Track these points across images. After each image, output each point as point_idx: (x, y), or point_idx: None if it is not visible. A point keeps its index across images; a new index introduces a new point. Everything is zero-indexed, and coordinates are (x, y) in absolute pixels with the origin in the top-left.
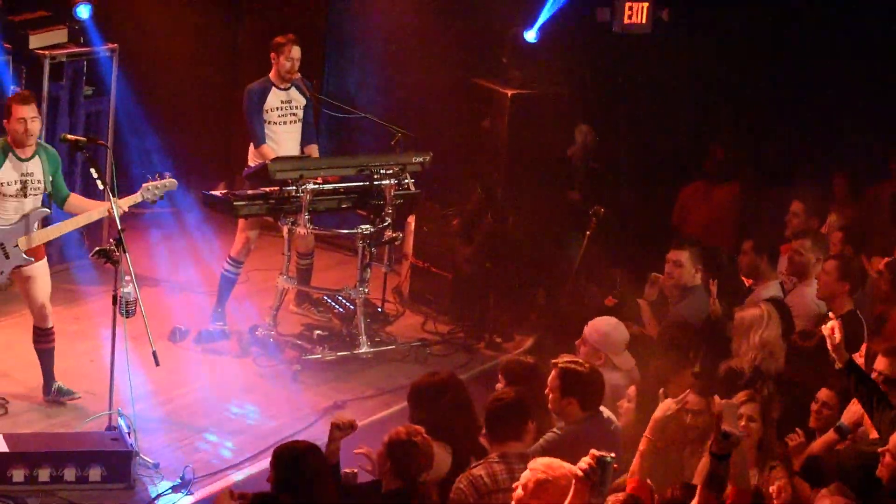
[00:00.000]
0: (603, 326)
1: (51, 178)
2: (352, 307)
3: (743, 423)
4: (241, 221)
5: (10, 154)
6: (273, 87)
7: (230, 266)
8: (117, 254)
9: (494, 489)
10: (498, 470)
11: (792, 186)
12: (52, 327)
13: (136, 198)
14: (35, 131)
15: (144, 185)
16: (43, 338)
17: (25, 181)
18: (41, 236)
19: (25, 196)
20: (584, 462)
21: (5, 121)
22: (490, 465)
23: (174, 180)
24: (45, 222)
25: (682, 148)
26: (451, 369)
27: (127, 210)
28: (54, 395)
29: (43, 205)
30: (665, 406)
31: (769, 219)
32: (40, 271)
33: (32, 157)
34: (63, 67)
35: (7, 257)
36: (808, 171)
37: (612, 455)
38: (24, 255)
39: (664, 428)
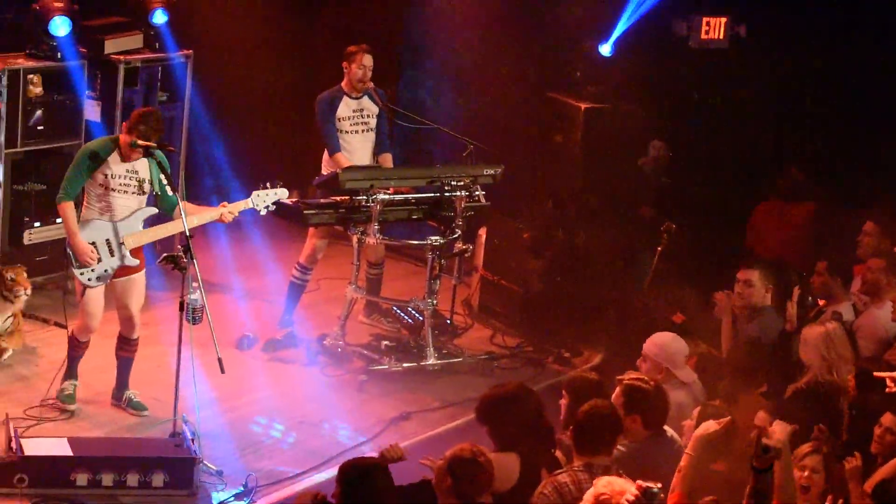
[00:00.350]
0: (660, 339)
1: (159, 182)
2: (420, 318)
3: (806, 473)
4: (310, 228)
5: (118, 150)
6: (344, 96)
7: (298, 273)
8: (185, 260)
9: (578, 497)
10: (583, 479)
11: (867, 207)
12: (138, 338)
13: (245, 203)
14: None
15: (255, 192)
16: (127, 346)
17: (131, 178)
18: (147, 236)
19: (131, 193)
20: (631, 494)
21: (127, 126)
22: (575, 473)
23: (285, 189)
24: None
25: (756, 166)
26: (517, 381)
27: (237, 215)
28: (124, 404)
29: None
30: (707, 425)
31: (843, 240)
32: (139, 281)
33: (139, 158)
34: (138, 73)
35: (112, 254)
36: (884, 192)
37: (658, 486)
38: (129, 255)
39: (706, 446)
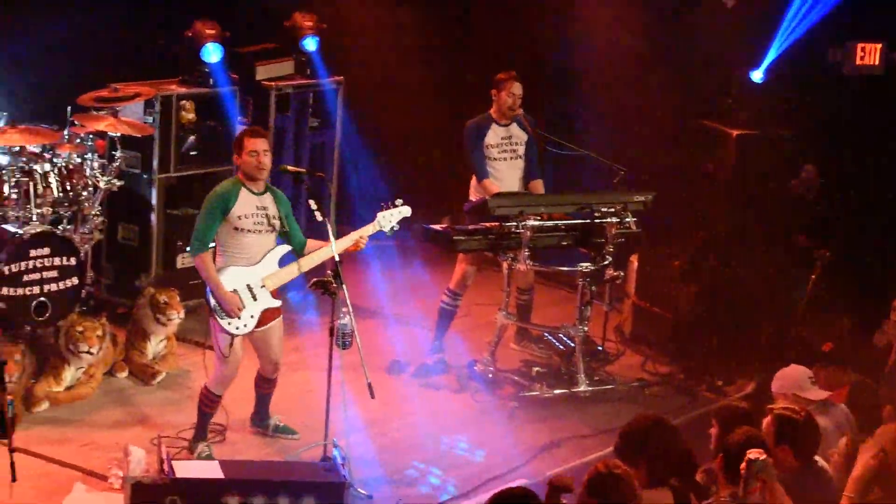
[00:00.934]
0: (779, 373)
1: (284, 218)
2: (571, 345)
3: None
4: (459, 254)
5: (243, 188)
6: (493, 123)
7: (448, 298)
8: (335, 285)
9: None
10: None
11: None
12: (277, 378)
13: (373, 227)
14: (267, 165)
15: (380, 213)
16: (267, 385)
17: (261, 215)
18: (285, 274)
19: (263, 231)
20: None
21: (236, 155)
22: (722, 503)
23: (408, 207)
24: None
25: None
26: (653, 413)
27: (366, 239)
28: (271, 430)
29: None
30: (864, 463)
31: None
32: (279, 326)
33: (264, 192)
34: (289, 99)
35: (255, 299)
36: None
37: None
38: (271, 297)
39: (865, 487)
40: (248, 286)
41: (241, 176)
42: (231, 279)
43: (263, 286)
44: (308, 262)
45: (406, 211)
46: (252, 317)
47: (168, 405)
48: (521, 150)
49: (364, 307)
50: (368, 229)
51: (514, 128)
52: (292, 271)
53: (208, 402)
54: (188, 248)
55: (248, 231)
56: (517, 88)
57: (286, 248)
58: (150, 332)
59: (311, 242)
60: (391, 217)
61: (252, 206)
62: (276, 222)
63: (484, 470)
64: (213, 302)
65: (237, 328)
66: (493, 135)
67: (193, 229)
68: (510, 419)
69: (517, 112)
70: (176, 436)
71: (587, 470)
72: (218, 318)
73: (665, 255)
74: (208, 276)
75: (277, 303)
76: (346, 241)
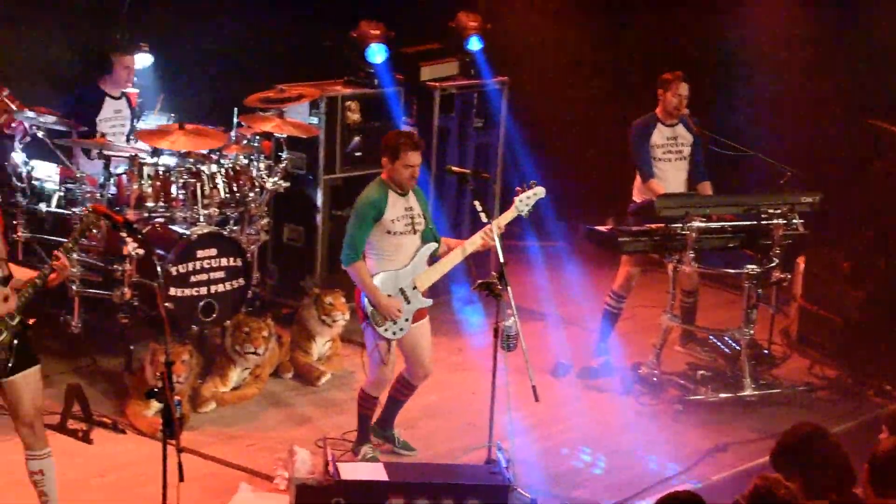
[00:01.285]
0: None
1: (426, 214)
2: (737, 348)
3: None
4: (623, 256)
5: (390, 191)
6: (658, 123)
7: (612, 300)
8: (500, 287)
9: None
10: None
11: None
12: (419, 386)
13: (511, 213)
14: (416, 177)
15: (516, 197)
16: (407, 390)
17: (410, 217)
18: (434, 273)
19: (413, 232)
20: None
21: (387, 160)
22: None
23: (542, 188)
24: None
25: None
26: (812, 423)
27: (503, 229)
28: (396, 445)
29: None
30: None
31: None
32: (428, 325)
33: (408, 192)
34: (453, 99)
35: (408, 302)
36: None
37: None
38: (423, 297)
39: None
40: (402, 290)
41: (387, 178)
42: (386, 285)
43: (415, 287)
44: (456, 257)
45: (541, 192)
46: (407, 320)
47: (333, 406)
48: (686, 150)
49: (528, 309)
50: (507, 216)
51: (680, 128)
52: (441, 269)
53: (367, 405)
54: (340, 257)
55: (400, 233)
56: (683, 89)
57: (433, 245)
58: (315, 333)
59: (446, 240)
60: (527, 200)
61: (401, 209)
62: (421, 220)
63: (648, 474)
64: (369, 309)
65: (394, 333)
66: (659, 135)
67: (345, 236)
68: (675, 423)
69: (683, 112)
70: (341, 437)
71: (750, 479)
72: (375, 325)
73: (833, 256)
74: (363, 283)
75: (429, 302)
76: (482, 234)
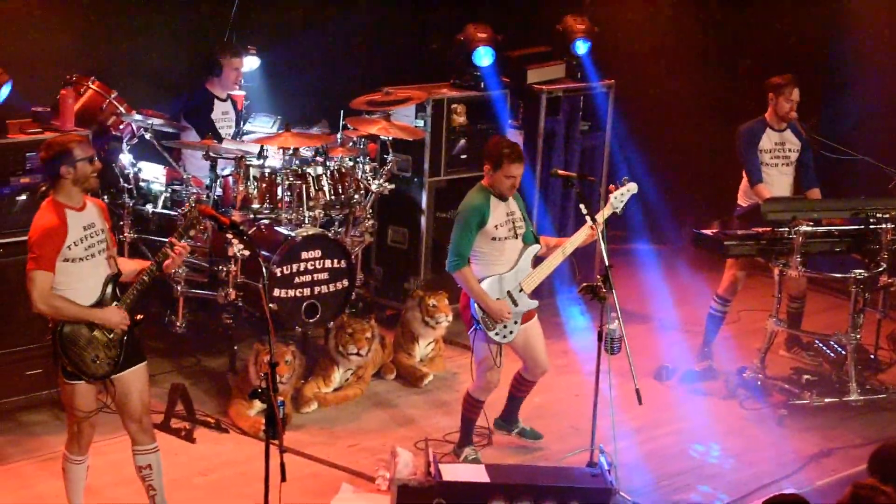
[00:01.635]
0: None
1: (526, 217)
2: (843, 352)
3: None
4: (729, 260)
5: (492, 196)
6: (767, 128)
7: (717, 304)
8: (604, 290)
9: None
10: None
11: None
12: (536, 382)
13: (608, 209)
14: (517, 187)
15: (611, 195)
16: (525, 387)
17: (511, 221)
18: (539, 275)
19: (515, 236)
20: None
21: (489, 167)
22: None
23: (634, 184)
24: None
25: None
26: None
27: (602, 225)
28: (517, 433)
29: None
30: None
31: None
32: (538, 324)
33: (508, 198)
34: (560, 102)
35: (515, 304)
36: None
37: None
38: (529, 299)
39: None
40: (508, 293)
41: (489, 185)
42: (491, 289)
43: (521, 290)
44: (557, 258)
45: (633, 188)
46: (516, 322)
47: (435, 408)
48: (794, 156)
49: (632, 312)
50: (605, 212)
51: (788, 133)
52: (545, 271)
53: (472, 408)
54: (447, 263)
55: (504, 238)
56: (795, 94)
57: (537, 247)
58: (418, 334)
59: (545, 238)
60: (622, 197)
61: (503, 215)
62: (522, 224)
63: (752, 478)
64: (479, 314)
65: (504, 337)
66: (767, 140)
67: (450, 243)
68: (778, 427)
69: (793, 117)
70: (443, 438)
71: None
72: (487, 330)
73: None
74: (471, 288)
75: (535, 303)
76: (584, 232)
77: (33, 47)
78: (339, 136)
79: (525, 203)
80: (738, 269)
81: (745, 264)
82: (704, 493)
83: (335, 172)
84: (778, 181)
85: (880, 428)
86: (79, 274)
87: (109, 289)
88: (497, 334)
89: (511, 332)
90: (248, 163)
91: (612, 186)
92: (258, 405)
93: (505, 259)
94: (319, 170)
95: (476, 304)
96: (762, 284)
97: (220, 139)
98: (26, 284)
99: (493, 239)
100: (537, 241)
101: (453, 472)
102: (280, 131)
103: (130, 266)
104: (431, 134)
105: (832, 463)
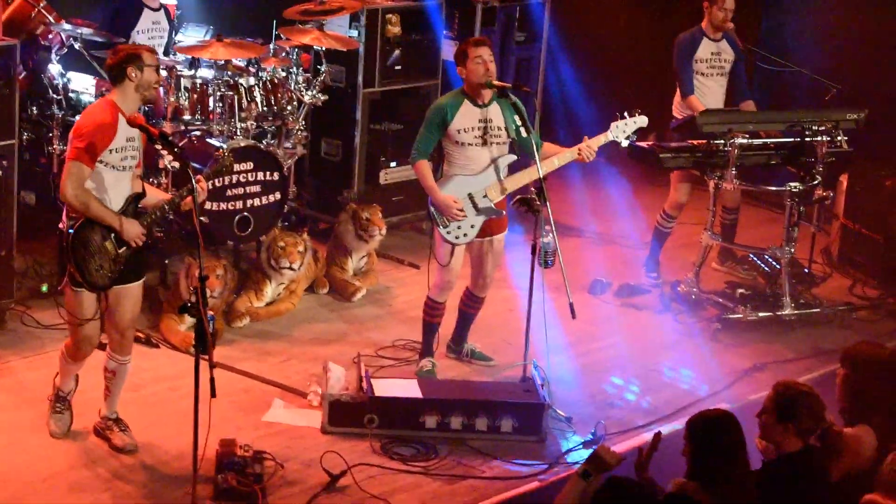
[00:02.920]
0: None
1: (514, 127)
2: (777, 266)
3: None
4: (674, 176)
5: (466, 100)
6: (704, 38)
7: (662, 220)
8: (538, 203)
9: None
10: None
11: None
12: (485, 297)
13: (605, 137)
14: (493, 72)
15: (614, 123)
16: (474, 304)
17: (483, 128)
18: (509, 184)
19: (485, 144)
20: None
21: (461, 67)
22: None
23: (645, 117)
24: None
25: None
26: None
27: (596, 151)
28: (466, 356)
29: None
30: None
31: None
32: (500, 242)
33: (490, 103)
34: (495, 13)
35: (477, 211)
36: None
37: None
38: (494, 207)
39: None
40: (470, 195)
41: (466, 87)
42: (453, 188)
43: (486, 196)
44: (532, 172)
45: (643, 121)
46: (472, 227)
47: (368, 322)
48: (728, 67)
49: (567, 225)
50: (599, 139)
51: (724, 44)
52: (515, 182)
53: (430, 311)
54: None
55: (469, 144)
56: (730, 3)
57: (512, 157)
58: (351, 248)
59: (547, 147)
60: (625, 127)
61: (473, 120)
62: (501, 133)
63: (685, 393)
64: (432, 209)
65: (457, 237)
66: (704, 49)
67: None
68: (712, 342)
69: (728, 27)
70: (375, 353)
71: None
72: (440, 228)
73: (876, 174)
74: (423, 182)
75: (502, 212)
76: (572, 152)
77: None
78: (271, 46)
79: (527, 109)
80: (681, 182)
81: (686, 177)
82: (636, 407)
83: (268, 83)
84: (712, 91)
85: (813, 342)
86: (107, 181)
87: (131, 207)
88: (449, 233)
89: (465, 235)
90: (179, 73)
91: (617, 114)
92: (189, 320)
93: (472, 165)
94: (252, 80)
95: (430, 198)
96: (697, 199)
97: None
98: (62, 171)
99: (458, 143)
100: (538, 148)
101: (385, 388)
102: (211, 40)
103: (152, 192)
104: (365, 44)
105: (765, 377)
